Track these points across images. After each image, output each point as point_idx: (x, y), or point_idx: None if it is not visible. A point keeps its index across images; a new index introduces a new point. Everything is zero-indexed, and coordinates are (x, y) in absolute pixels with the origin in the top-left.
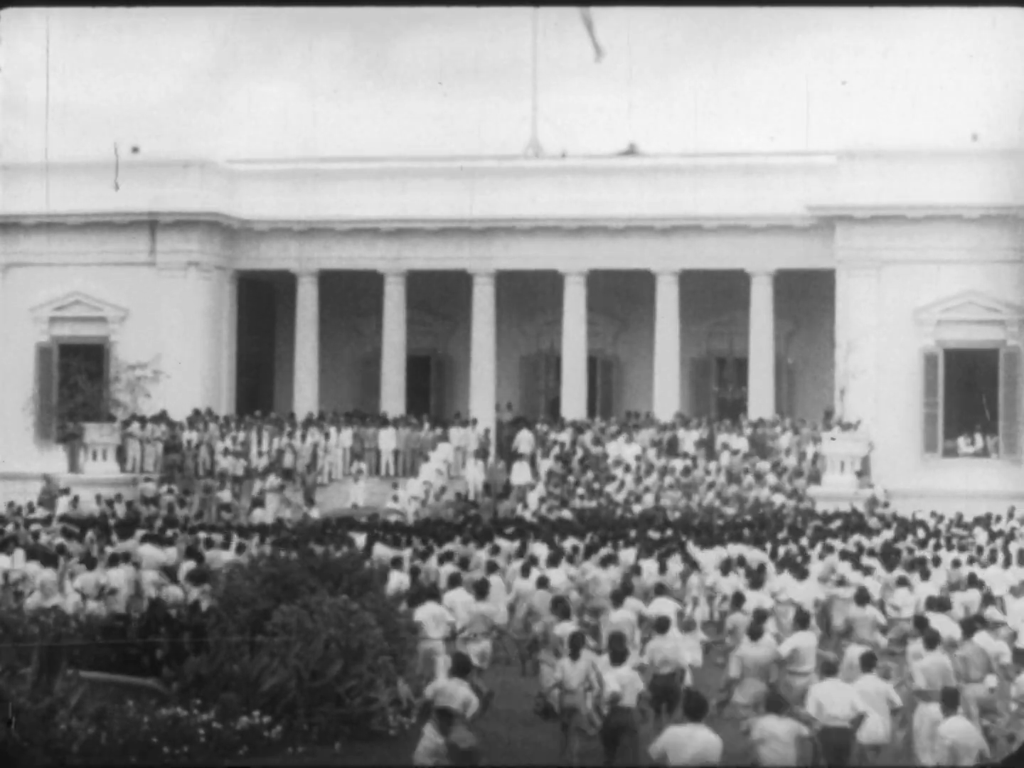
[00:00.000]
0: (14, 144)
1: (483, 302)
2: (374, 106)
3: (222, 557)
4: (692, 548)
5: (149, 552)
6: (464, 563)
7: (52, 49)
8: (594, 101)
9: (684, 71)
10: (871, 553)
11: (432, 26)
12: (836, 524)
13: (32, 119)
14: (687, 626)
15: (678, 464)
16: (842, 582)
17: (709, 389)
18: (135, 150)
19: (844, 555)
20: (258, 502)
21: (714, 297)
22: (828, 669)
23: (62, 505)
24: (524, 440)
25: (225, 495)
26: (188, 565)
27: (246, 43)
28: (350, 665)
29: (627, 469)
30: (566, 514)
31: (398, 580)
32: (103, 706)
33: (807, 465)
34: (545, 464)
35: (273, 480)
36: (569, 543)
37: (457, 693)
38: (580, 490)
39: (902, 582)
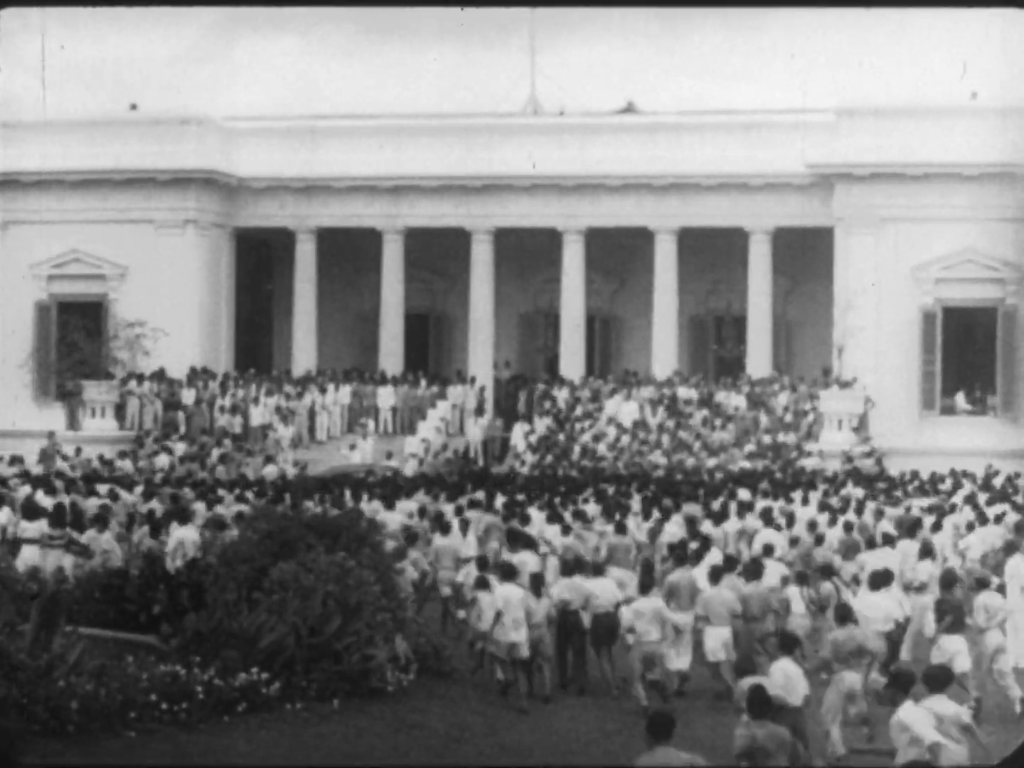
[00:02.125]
0: (22, 100)
1: (481, 260)
2: (376, 63)
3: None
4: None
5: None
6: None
7: (59, 5)
8: (593, 58)
9: (683, 28)
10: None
11: None
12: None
13: (39, 75)
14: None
15: (661, 417)
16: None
17: (707, 347)
18: (133, 107)
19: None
20: (224, 458)
21: (713, 255)
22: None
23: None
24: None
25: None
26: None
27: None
28: (348, 622)
29: (619, 427)
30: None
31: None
32: (102, 663)
33: (805, 422)
34: (542, 423)
35: (283, 431)
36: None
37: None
38: (577, 447)
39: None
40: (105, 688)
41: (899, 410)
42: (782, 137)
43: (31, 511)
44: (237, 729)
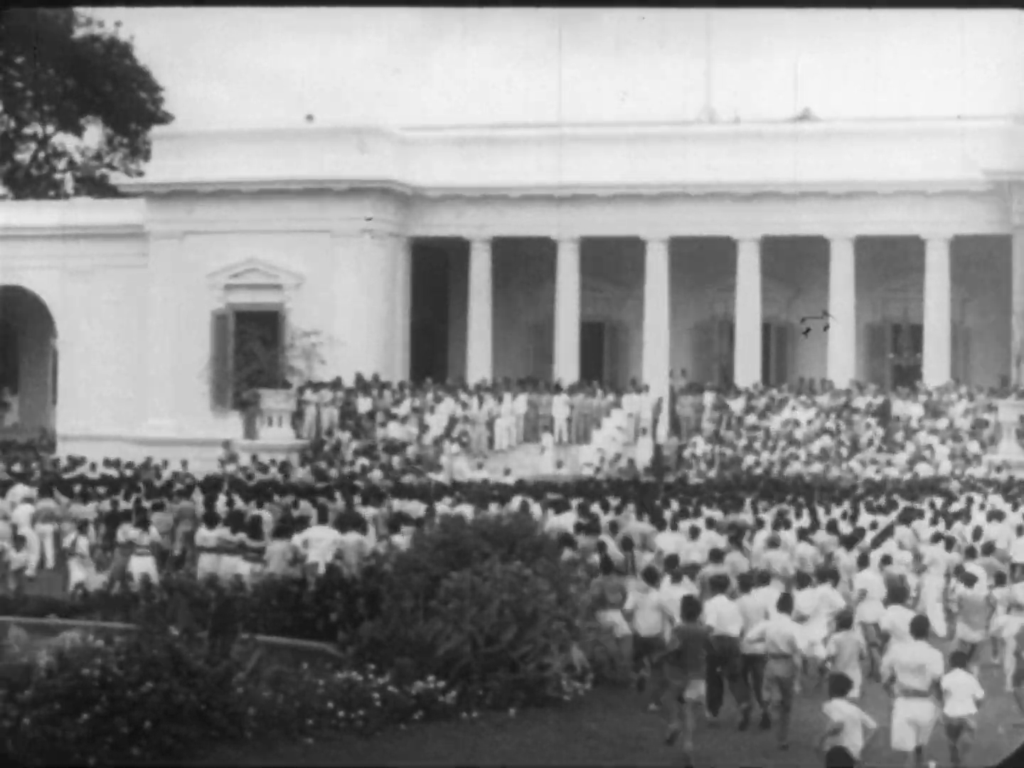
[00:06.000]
0: (203, 111)
1: (656, 268)
2: (554, 72)
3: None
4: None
5: None
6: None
7: (255, 15)
8: (768, 65)
9: (855, 33)
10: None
11: None
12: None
13: (233, 85)
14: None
15: (838, 426)
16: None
17: (884, 355)
18: (309, 118)
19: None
20: (382, 466)
21: (889, 262)
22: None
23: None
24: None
25: (395, 461)
26: None
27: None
28: (524, 631)
29: (791, 435)
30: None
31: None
32: (279, 670)
33: (986, 433)
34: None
35: (449, 446)
36: None
37: None
38: (750, 458)
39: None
40: (282, 695)
41: None
42: (958, 143)
43: (209, 519)
44: (413, 737)
